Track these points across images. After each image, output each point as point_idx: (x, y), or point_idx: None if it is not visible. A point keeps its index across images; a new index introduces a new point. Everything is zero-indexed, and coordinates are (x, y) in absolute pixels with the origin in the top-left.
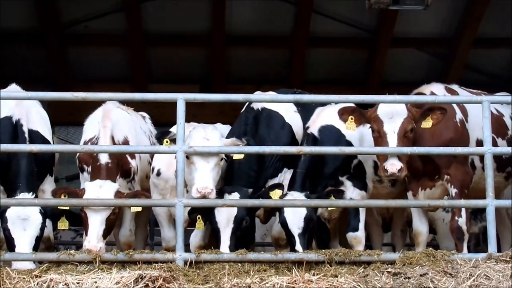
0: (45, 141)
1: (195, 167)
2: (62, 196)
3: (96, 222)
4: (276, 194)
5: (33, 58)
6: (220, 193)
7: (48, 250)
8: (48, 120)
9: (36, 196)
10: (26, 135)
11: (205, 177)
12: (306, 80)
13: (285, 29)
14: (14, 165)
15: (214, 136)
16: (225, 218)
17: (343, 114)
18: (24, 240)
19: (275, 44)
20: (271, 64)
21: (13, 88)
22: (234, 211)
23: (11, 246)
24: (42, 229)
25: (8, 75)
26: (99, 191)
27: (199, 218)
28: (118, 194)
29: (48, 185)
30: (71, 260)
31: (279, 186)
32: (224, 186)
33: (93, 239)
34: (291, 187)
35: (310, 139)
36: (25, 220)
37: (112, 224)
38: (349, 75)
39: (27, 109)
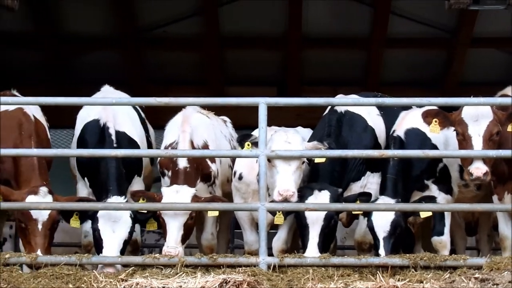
0: (132, 142)
1: (277, 170)
2: (141, 200)
3: (174, 227)
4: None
5: (110, 63)
6: (309, 190)
7: (134, 253)
8: (137, 120)
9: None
10: (113, 137)
11: (287, 180)
12: (382, 82)
13: (362, 30)
14: (103, 167)
15: (295, 140)
16: (314, 215)
17: (427, 117)
18: (112, 242)
19: (352, 46)
20: (347, 66)
21: (106, 89)
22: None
23: (99, 247)
24: (130, 232)
25: (86, 79)
26: (176, 196)
27: (279, 212)
28: (194, 199)
29: (136, 186)
30: (156, 264)
31: (367, 195)
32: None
33: (172, 243)
34: (382, 193)
35: (397, 143)
36: (115, 222)
37: (190, 229)
38: (426, 76)
39: (115, 111)
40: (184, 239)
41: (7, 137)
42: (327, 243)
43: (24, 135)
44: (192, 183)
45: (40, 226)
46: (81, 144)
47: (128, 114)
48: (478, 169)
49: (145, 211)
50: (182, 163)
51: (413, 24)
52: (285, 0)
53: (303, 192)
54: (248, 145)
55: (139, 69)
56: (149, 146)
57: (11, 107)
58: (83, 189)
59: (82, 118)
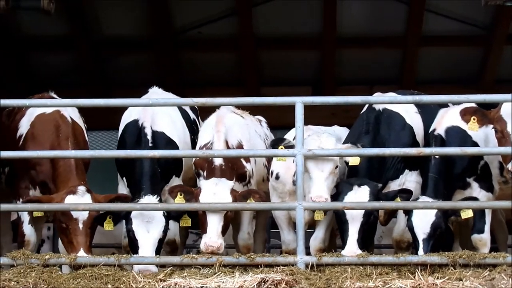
0: (170, 142)
1: (310, 176)
2: (179, 195)
3: (215, 219)
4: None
5: (145, 65)
6: (348, 185)
7: (173, 253)
8: (180, 121)
9: (160, 199)
10: (149, 137)
11: (320, 186)
12: (418, 80)
13: (397, 28)
14: (138, 167)
15: (329, 144)
16: (353, 211)
17: (465, 114)
18: (147, 242)
19: (387, 45)
20: (382, 64)
21: (154, 91)
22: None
23: (134, 247)
24: (165, 231)
25: (121, 82)
26: (215, 188)
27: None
28: (233, 192)
29: None
30: (194, 264)
31: (408, 192)
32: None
33: (214, 235)
34: (423, 192)
35: (438, 141)
36: (149, 222)
37: (229, 221)
38: (462, 73)
39: (154, 111)
40: (224, 230)
41: (44, 139)
42: (367, 239)
43: (61, 137)
44: (230, 179)
45: (81, 225)
46: (121, 144)
47: (169, 115)
48: None
49: None
50: (218, 161)
51: (448, 22)
52: (319, 0)
53: (342, 187)
54: (282, 148)
55: (174, 71)
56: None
57: (49, 110)
58: (122, 189)
59: (124, 119)
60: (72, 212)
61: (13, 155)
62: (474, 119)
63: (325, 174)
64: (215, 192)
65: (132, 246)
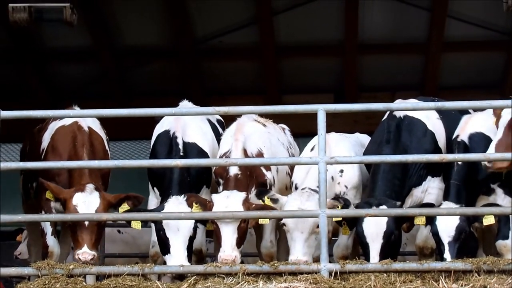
0: (202, 153)
1: (291, 236)
2: (194, 204)
3: (229, 231)
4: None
5: (167, 74)
6: (367, 206)
7: (199, 263)
8: (210, 133)
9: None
10: (180, 146)
11: (299, 248)
12: (440, 86)
13: (419, 35)
14: (168, 176)
15: (309, 206)
16: (374, 233)
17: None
18: (178, 240)
19: (409, 51)
20: (405, 71)
21: (184, 105)
22: (383, 225)
23: (165, 247)
24: (194, 228)
25: (144, 91)
26: (226, 201)
27: (344, 224)
28: (245, 204)
29: (205, 196)
30: (218, 273)
31: (430, 205)
32: (370, 197)
33: (228, 249)
34: (446, 198)
35: (461, 147)
36: (179, 221)
37: (245, 232)
38: (484, 79)
39: (185, 122)
40: (239, 243)
41: (63, 150)
42: (391, 255)
43: (77, 145)
44: (244, 189)
45: (86, 222)
46: (153, 154)
47: (200, 127)
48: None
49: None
50: (233, 171)
51: (470, 27)
52: (341, 7)
53: (361, 207)
54: (268, 199)
55: (196, 80)
56: None
57: (68, 122)
58: (152, 199)
59: (157, 130)
60: (79, 210)
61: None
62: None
63: (305, 235)
64: (227, 205)
65: (163, 246)
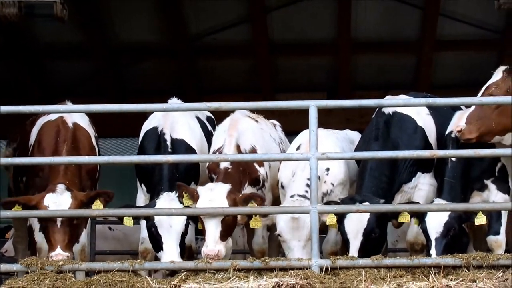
0: (189, 149)
1: (288, 245)
2: (184, 194)
3: (211, 225)
4: None
5: (162, 72)
6: (351, 202)
7: (190, 259)
8: (198, 130)
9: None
10: (168, 143)
11: (301, 255)
12: (433, 84)
13: (412, 33)
14: (157, 172)
15: (219, 197)
16: (354, 230)
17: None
18: (171, 237)
19: (402, 49)
20: (397, 69)
21: (173, 102)
22: (364, 223)
23: (157, 244)
24: (186, 225)
25: (138, 89)
26: (210, 194)
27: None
28: (230, 196)
29: None
30: (208, 268)
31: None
32: (356, 194)
33: (210, 243)
34: (439, 195)
35: (454, 143)
36: (171, 217)
37: (229, 225)
38: (477, 77)
39: (173, 119)
40: (223, 236)
41: (47, 146)
42: (373, 252)
43: (59, 141)
44: (233, 184)
45: (59, 224)
46: (141, 150)
47: (189, 124)
48: (457, 126)
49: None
50: (223, 164)
51: (462, 26)
52: (333, 5)
53: (345, 203)
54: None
55: (191, 78)
56: None
57: (54, 117)
58: (140, 196)
59: (145, 126)
60: (50, 212)
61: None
62: None
63: (302, 243)
64: (211, 198)
65: (155, 243)
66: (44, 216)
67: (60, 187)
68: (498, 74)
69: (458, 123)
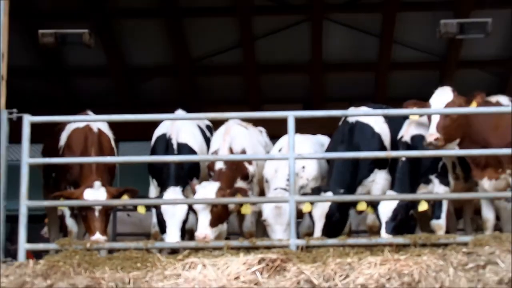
0: (191, 151)
1: (272, 229)
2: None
3: (203, 215)
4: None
5: (169, 87)
6: (318, 191)
7: (191, 240)
8: (199, 136)
9: (183, 190)
10: (175, 146)
11: (281, 236)
12: (389, 97)
13: (371, 56)
14: (165, 170)
15: (210, 192)
16: (318, 214)
17: (408, 105)
18: (173, 223)
19: (363, 69)
20: (360, 85)
21: (179, 113)
22: (326, 209)
23: (163, 227)
24: (187, 214)
25: (149, 102)
26: (203, 191)
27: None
28: (220, 191)
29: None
30: (207, 247)
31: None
32: (322, 185)
33: (201, 228)
34: (392, 188)
35: (405, 146)
36: (174, 207)
37: (218, 214)
38: (423, 92)
39: (179, 127)
40: (213, 223)
41: (76, 148)
42: (333, 233)
43: (88, 144)
44: (227, 181)
45: (97, 214)
46: (153, 152)
47: (191, 131)
48: (432, 135)
49: None
50: (218, 165)
51: (412, 51)
52: (308, 34)
53: (315, 192)
54: None
55: (192, 92)
56: None
57: (82, 125)
58: (152, 188)
59: (156, 133)
60: (89, 202)
61: (56, 161)
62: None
63: (283, 226)
64: (204, 194)
65: (161, 226)
66: (72, 205)
67: (97, 183)
68: (447, 93)
69: (408, 130)
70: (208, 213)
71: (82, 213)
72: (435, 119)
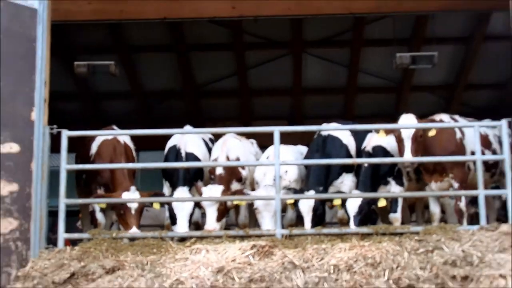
0: (197, 159)
1: (261, 215)
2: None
3: (211, 211)
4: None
5: (178, 108)
6: (301, 191)
7: (197, 230)
8: (203, 147)
9: (190, 189)
10: (183, 155)
11: (269, 223)
12: (355, 116)
13: (341, 82)
14: (176, 174)
15: (216, 192)
16: (306, 209)
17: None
18: (182, 215)
19: (335, 93)
20: (332, 106)
21: (186, 127)
22: (312, 204)
23: (174, 219)
24: (193, 209)
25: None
26: (209, 192)
27: (291, 204)
28: (224, 193)
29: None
30: (210, 236)
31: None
32: (304, 187)
33: (210, 222)
34: (356, 188)
35: (367, 154)
36: (183, 203)
37: (222, 212)
38: (384, 111)
39: (186, 140)
40: (218, 218)
41: (106, 156)
42: (318, 222)
43: (117, 153)
44: (225, 183)
45: (133, 212)
46: (166, 159)
47: (197, 143)
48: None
49: None
50: (218, 171)
51: (373, 78)
52: (290, 64)
53: (299, 191)
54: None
55: (197, 112)
56: None
57: (109, 137)
58: (165, 188)
59: (168, 144)
60: (128, 204)
61: (90, 167)
62: (382, 131)
63: (271, 214)
64: (210, 195)
65: (172, 220)
66: (103, 202)
67: (133, 188)
68: (410, 119)
69: (370, 142)
70: (215, 210)
71: (120, 212)
72: (408, 144)
